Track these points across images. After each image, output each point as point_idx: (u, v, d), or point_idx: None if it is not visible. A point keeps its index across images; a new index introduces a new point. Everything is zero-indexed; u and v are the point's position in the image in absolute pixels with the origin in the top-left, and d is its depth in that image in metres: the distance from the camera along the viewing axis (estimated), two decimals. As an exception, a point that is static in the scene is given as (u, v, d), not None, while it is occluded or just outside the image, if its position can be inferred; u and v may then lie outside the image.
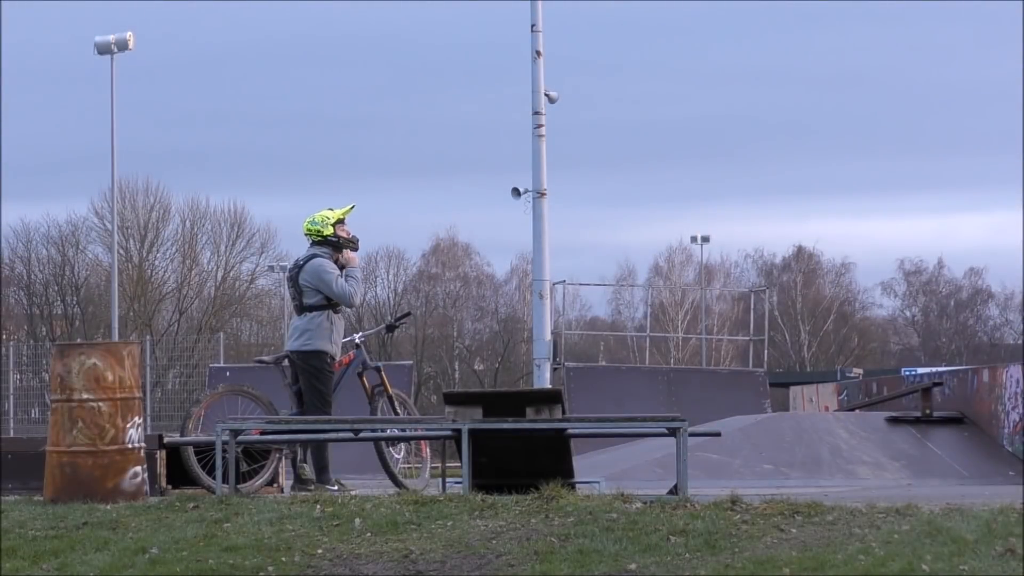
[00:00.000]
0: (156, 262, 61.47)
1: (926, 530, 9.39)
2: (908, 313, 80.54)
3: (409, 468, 14.98)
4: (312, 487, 13.28)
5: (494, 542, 9.83)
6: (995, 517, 9.61)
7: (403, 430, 13.59)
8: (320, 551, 9.87)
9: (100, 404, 12.12)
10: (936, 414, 19.78)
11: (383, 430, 13.49)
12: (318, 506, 10.92)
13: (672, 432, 12.11)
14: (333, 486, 13.42)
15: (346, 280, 13.78)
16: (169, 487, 13.50)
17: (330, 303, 13.81)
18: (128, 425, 12.20)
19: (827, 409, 26.24)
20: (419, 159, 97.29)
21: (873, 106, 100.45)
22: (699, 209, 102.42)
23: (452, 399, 12.58)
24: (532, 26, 25.23)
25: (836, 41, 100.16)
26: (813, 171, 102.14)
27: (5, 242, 58.94)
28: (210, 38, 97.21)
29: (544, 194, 25.32)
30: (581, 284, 68.46)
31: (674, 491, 11.81)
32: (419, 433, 13.58)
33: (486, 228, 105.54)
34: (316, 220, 13.93)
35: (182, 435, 13.45)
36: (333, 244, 13.91)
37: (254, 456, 13.59)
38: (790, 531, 9.71)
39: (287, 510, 10.82)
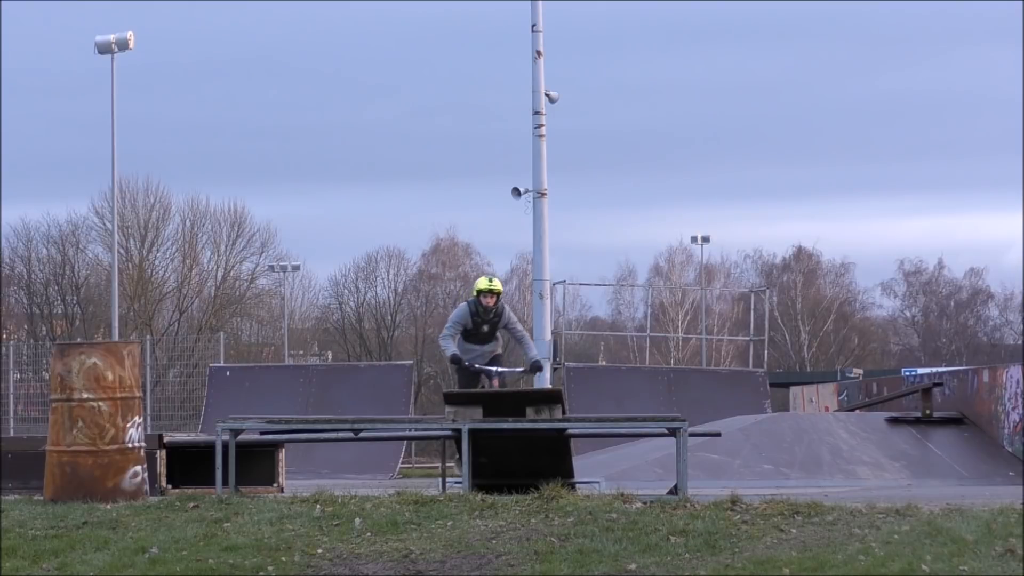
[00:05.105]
0: (156, 262, 61.36)
1: (926, 530, 9.39)
2: (908, 313, 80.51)
3: (410, 468, 14.96)
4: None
5: (494, 542, 9.83)
6: (995, 517, 9.62)
7: (409, 430, 13.58)
8: (320, 551, 9.87)
9: (100, 404, 12.12)
10: (936, 414, 19.78)
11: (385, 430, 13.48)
12: (318, 506, 10.92)
13: (672, 432, 12.12)
14: None
15: (448, 338, 14.99)
16: (169, 487, 13.50)
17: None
18: (128, 425, 12.20)
19: (827, 409, 26.27)
20: (419, 159, 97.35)
21: (873, 107, 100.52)
22: (699, 209, 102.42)
23: (452, 399, 12.57)
24: (532, 26, 25.23)
25: (835, 44, 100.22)
26: (813, 172, 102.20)
27: (5, 241, 58.85)
28: (210, 38, 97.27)
29: (544, 194, 25.31)
30: (581, 284, 68.59)
31: (674, 491, 11.82)
32: (420, 433, 13.59)
33: (486, 228, 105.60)
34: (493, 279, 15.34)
35: None
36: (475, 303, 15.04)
37: None
38: (790, 531, 9.71)
39: (287, 510, 10.82)
